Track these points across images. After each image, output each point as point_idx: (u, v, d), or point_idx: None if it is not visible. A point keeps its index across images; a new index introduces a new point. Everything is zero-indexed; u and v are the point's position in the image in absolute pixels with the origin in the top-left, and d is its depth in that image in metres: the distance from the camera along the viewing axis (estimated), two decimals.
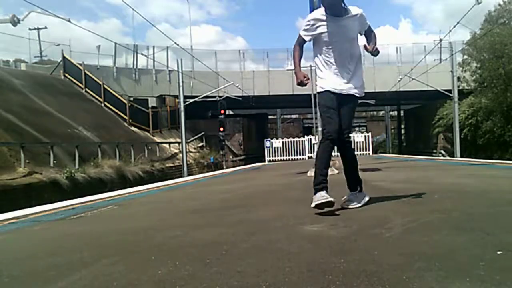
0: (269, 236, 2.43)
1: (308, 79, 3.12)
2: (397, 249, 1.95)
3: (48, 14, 13.16)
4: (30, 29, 33.92)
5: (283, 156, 23.05)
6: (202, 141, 26.87)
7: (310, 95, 23.51)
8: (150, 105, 25.01)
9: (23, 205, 6.04)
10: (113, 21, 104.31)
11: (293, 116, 51.43)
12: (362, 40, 3.26)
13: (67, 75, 23.28)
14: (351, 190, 3.28)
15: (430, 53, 27.23)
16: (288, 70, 25.31)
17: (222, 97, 24.76)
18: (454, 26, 16.81)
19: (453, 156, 20.17)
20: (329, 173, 3.23)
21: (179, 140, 21.29)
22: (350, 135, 3.27)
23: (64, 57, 23.73)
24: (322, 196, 2.92)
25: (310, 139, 22.73)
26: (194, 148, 25.58)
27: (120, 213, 4.11)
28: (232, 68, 29.89)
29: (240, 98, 26.24)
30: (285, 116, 48.88)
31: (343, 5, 3.03)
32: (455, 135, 20.99)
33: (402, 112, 41.60)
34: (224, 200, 4.59)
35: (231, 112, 33.64)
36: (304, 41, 3.16)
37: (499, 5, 22.32)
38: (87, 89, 22.76)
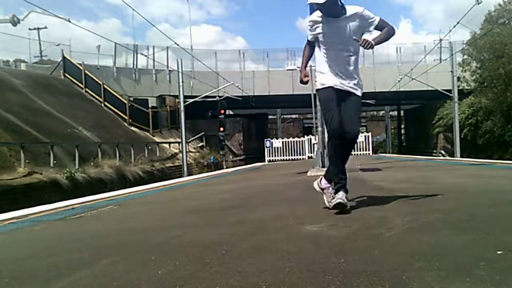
0: (269, 236, 2.43)
1: (308, 77, 3.20)
2: (397, 249, 1.95)
3: (48, 14, 13.18)
4: (30, 29, 33.87)
5: (283, 156, 23.03)
6: (202, 141, 26.84)
7: (310, 95, 23.49)
8: (150, 105, 24.98)
9: (23, 205, 6.04)
10: (113, 21, 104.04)
11: (293, 116, 51.36)
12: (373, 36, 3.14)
13: (67, 75, 23.24)
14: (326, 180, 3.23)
15: (430, 53, 27.21)
16: (288, 70, 25.28)
17: (222, 97, 24.73)
18: (454, 26, 16.87)
19: (453, 156, 20.16)
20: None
21: (179, 140, 21.27)
22: (356, 134, 3.14)
23: (64, 57, 23.71)
24: (343, 197, 2.96)
25: (310, 139, 22.70)
26: (194, 148, 25.57)
27: (120, 213, 4.11)
28: (232, 68, 29.90)
29: (240, 98, 26.21)
30: (285, 116, 48.82)
31: (339, 5, 3.03)
32: (455, 135, 20.99)
33: (402, 112, 41.56)
34: (224, 200, 4.60)
35: (231, 112, 33.58)
36: (309, 41, 3.25)
37: (499, 5, 22.31)
38: (87, 89, 22.73)
